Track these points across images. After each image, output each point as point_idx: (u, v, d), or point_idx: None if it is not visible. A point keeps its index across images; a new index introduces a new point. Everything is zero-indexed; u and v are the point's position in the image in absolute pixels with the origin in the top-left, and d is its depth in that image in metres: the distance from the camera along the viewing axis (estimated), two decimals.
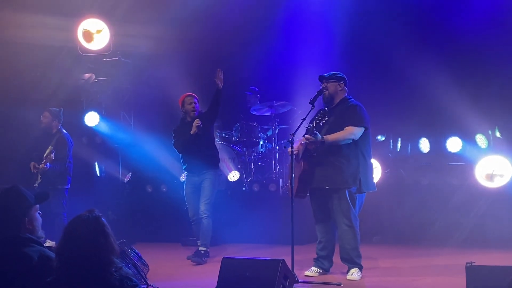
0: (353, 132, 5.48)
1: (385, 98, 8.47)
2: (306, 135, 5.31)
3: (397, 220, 7.89)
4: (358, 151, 5.57)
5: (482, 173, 7.50)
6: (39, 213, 3.36)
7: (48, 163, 7.28)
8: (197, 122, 6.57)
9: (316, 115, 5.35)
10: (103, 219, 2.88)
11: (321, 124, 5.29)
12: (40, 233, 3.32)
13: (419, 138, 8.46)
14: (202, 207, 6.65)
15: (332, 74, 5.71)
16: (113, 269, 2.78)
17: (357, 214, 5.61)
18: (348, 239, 5.54)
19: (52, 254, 3.03)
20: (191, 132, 6.59)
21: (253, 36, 9.28)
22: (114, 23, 9.23)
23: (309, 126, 5.34)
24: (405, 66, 8.18)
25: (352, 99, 5.70)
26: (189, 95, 6.79)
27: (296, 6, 9.09)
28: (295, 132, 5.46)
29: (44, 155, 7.37)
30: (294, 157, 5.40)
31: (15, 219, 3.21)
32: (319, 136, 5.32)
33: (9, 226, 3.19)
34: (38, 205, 3.37)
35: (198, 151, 6.65)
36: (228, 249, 7.42)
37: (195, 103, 6.72)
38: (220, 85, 6.52)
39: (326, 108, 5.36)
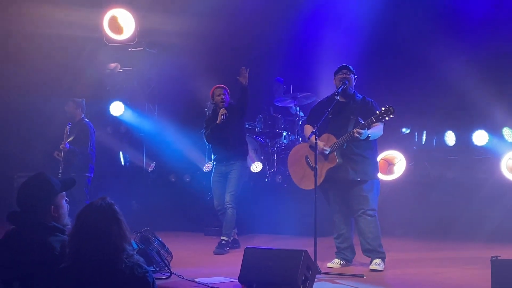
0: (382, 128, 5.58)
1: (411, 90, 8.38)
2: (357, 129, 5.31)
3: (421, 214, 7.81)
4: (376, 145, 5.76)
5: (509, 167, 7.38)
6: (65, 200, 3.38)
7: (67, 143, 7.41)
8: (222, 111, 6.64)
9: (381, 110, 5.29)
10: (116, 207, 2.89)
11: (383, 120, 5.27)
12: (66, 220, 3.34)
13: (445, 131, 8.36)
14: (227, 197, 6.70)
15: (350, 67, 5.74)
16: (124, 256, 2.81)
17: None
18: (370, 227, 5.56)
19: None
20: (217, 122, 6.67)
21: (277, 28, 9.25)
22: (140, 13, 9.29)
23: (360, 120, 5.33)
24: (432, 58, 8.08)
25: (359, 94, 5.74)
26: (218, 87, 6.85)
27: None
28: (319, 124, 5.44)
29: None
30: (317, 147, 5.38)
31: (41, 206, 3.23)
32: (367, 132, 5.35)
33: (34, 214, 3.21)
34: (64, 192, 3.40)
35: (227, 142, 6.72)
36: (250, 240, 7.44)
37: (224, 94, 6.77)
38: (245, 83, 6.52)
39: (391, 107, 5.25)
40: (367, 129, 5.35)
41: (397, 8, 8.46)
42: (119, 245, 2.80)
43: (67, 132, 7.55)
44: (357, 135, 5.30)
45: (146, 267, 2.89)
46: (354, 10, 8.65)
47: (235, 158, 6.77)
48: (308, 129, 5.71)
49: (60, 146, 7.51)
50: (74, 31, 9.09)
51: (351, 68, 5.71)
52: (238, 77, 6.54)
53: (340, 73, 5.66)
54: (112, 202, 2.90)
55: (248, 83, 6.55)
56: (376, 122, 5.32)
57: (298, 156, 5.94)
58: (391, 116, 5.23)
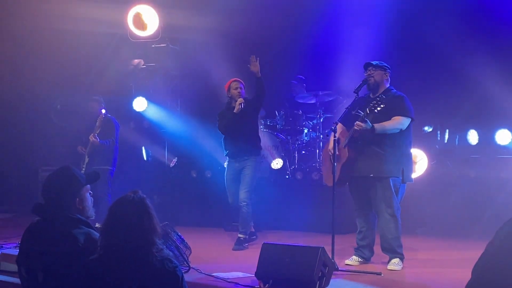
0: (402, 122, 5.47)
1: (434, 88, 8.32)
2: (356, 122, 5.29)
3: (442, 213, 7.75)
4: (402, 141, 5.57)
5: None
6: (89, 193, 3.44)
7: (97, 137, 7.52)
8: (240, 100, 6.60)
9: (371, 102, 5.31)
10: (148, 201, 2.93)
11: (375, 111, 5.27)
12: (90, 212, 3.41)
13: (468, 129, 8.27)
14: (242, 195, 6.67)
15: (379, 62, 5.69)
16: (154, 250, 2.84)
17: (399, 204, 5.58)
18: (389, 228, 5.51)
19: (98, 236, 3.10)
20: (234, 111, 6.61)
21: (299, 24, 9.24)
22: (163, 10, 9.36)
23: (358, 112, 5.31)
24: (454, 56, 7.99)
25: (395, 90, 5.67)
26: (235, 80, 6.81)
27: None
28: (339, 120, 5.45)
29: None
30: (336, 145, 5.39)
31: (66, 199, 3.30)
32: (370, 124, 5.30)
33: (60, 206, 3.27)
34: (89, 185, 3.46)
35: (240, 136, 6.68)
36: (269, 236, 7.47)
37: (241, 88, 6.73)
38: (258, 73, 6.48)
39: (383, 96, 5.29)
40: (369, 121, 5.28)
41: (421, 5, 8.39)
42: (149, 239, 2.84)
43: (101, 119, 7.63)
44: (356, 128, 5.29)
45: (176, 261, 2.93)
46: (376, 7, 8.59)
47: (248, 154, 6.71)
48: (338, 127, 5.66)
49: (90, 137, 7.60)
50: (98, 27, 9.20)
51: (376, 63, 5.63)
52: (248, 65, 6.51)
53: (366, 71, 5.66)
54: (144, 196, 2.94)
55: (261, 73, 6.49)
56: (369, 113, 5.28)
57: (326, 154, 5.93)
58: (381, 105, 5.22)
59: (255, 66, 6.47)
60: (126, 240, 2.81)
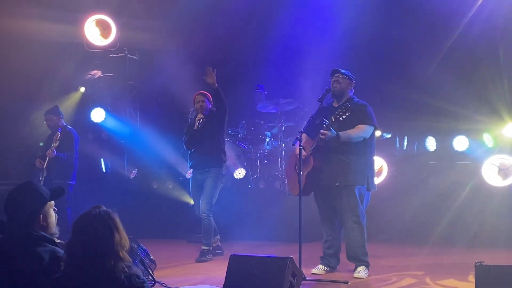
0: (366, 130, 5.52)
1: (392, 95, 8.44)
2: (322, 131, 5.29)
3: (403, 219, 7.86)
4: (365, 149, 5.62)
5: (489, 172, 7.47)
6: (54, 210, 3.32)
7: (54, 150, 7.29)
8: (199, 116, 6.59)
9: (337, 110, 5.33)
10: (114, 215, 2.87)
11: (341, 119, 5.29)
12: (54, 230, 3.28)
13: (426, 136, 8.44)
14: (202, 206, 6.62)
15: (346, 71, 5.73)
16: (123, 266, 2.78)
17: (364, 212, 5.61)
18: (355, 236, 5.55)
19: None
20: (194, 127, 6.61)
21: (259, 33, 9.27)
22: (121, 19, 9.24)
23: (323, 121, 5.32)
24: (413, 64, 8.17)
25: (357, 99, 5.72)
26: (199, 94, 6.77)
27: (303, 2, 9.08)
28: (304, 129, 5.46)
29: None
30: (301, 154, 5.39)
31: (29, 215, 3.17)
32: (334, 132, 5.32)
33: (22, 223, 3.15)
34: (53, 201, 3.33)
35: (202, 148, 6.64)
36: (234, 246, 7.41)
37: (203, 101, 6.68)
38: (214, 85, 6.42)
39: (348, 104, 5.32)
40: (333, 130, 5.30)
41: (380, 15, 8.52)
42: (118, 254, 2.78)
43: (56, 138, 7.39)
44: (322, 137, 5.30)
45: (143, 277, 2.87)
46: (337, 16, 8.69)
47: (210, 165, 6.64)
48: (302, 136, 5.65)
49: (47, 153, 7.35)
50: (54, 36, 8.99)
51: (344, 71, 5.67)
52: (204, 77, 6.46)
53: (333, 77, 5.67)
54: (110, 210, 2.88)
55: (222, 83, 6.48)
56: (335, 121, 5.32)
57: (290, 164, 5.92)
58: (347, 114, 5.26)
59: (211, 78, 6.41)
60: (93, 256, 2.74)
